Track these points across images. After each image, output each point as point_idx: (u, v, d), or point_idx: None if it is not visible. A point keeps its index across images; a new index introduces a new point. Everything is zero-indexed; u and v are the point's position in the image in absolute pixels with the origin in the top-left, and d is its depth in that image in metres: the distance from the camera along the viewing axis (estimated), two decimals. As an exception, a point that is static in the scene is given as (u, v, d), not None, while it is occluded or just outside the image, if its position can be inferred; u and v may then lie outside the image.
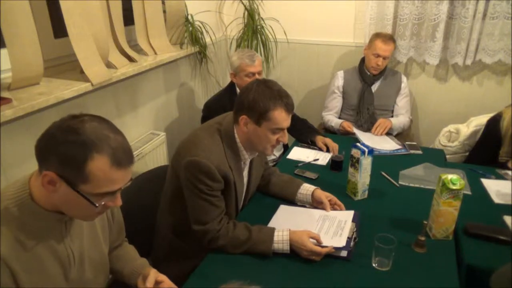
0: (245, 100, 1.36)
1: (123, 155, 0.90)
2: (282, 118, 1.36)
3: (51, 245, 0.97)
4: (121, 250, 1.29)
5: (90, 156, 0.86)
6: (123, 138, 0.93)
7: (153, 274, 1.16)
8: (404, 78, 2.64)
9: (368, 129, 2.53)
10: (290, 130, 1.67)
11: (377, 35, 2.49)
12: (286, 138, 1.43)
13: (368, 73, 2.57)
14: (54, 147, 0.86)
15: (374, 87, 2.59)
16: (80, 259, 1.06)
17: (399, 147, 2.21)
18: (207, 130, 1.45)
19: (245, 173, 1.55)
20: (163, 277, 1.17)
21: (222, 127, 1.44)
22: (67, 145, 0.85)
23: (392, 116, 2.65)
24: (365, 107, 2.56)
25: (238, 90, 2.26)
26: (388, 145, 2.24)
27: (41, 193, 0.92)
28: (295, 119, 2.28)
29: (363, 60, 2.62)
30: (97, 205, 0.91)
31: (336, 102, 2.68)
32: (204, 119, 2.21)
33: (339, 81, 2.65)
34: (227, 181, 1.41)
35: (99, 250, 1.14)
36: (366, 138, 2.29)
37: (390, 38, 2.47)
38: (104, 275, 1.18)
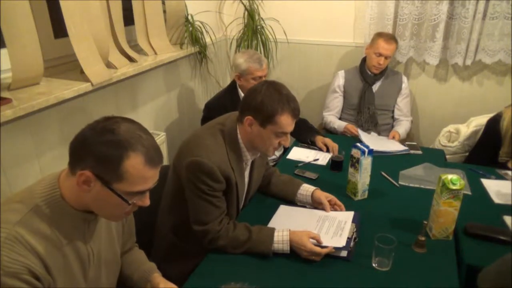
0: (253, 101, 1.36)
1: (155, 154, 0.94)
2: (287, 123, 1.37)
3: (75, 244, 0.98)
4: (131, 255, 1.28)
5: (126, 155, 0.89)
6: (153, 139, 0.97)
7: (163, 285, 1.16)
8: (404, 79, 2.64)
9: (368, 129, 2.53)
10: (290, 130, 1.67)
11: (379, 35, 2.49)
12: (288, 142, 1.44)
13: (369, 73, 2.57)
14: (91, 147, 0.88)
15: (375, 87, 2.59)
16: (98, 259, 1.07)
17: (404, 148, 2.20)
18: (210, 130, 1.44)
19: (247, 173, 1.55)
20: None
21: (225, 127, 1.44)
22: (104, 145, 0.88)
23: (392, 116, 2.65)
24: (365, 107, 2.56)
25: (240, 91, 2.26)
26: (393, 146, 2.23)
27: (72, 193, 0.94)
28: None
29: (364, 60, 2.62)
30: (130, 202, 0.94)
31: (337, 102, 2.68)
32: (205, 119, 2.21)
33: (340, 80, 2.65)
34: (228, 182, 1.40)
35: (113, 250, 1.14)
36: (371, 140, 2.28)
37: (392, 38, 2.48)
38: (115, 275, 1.19)
